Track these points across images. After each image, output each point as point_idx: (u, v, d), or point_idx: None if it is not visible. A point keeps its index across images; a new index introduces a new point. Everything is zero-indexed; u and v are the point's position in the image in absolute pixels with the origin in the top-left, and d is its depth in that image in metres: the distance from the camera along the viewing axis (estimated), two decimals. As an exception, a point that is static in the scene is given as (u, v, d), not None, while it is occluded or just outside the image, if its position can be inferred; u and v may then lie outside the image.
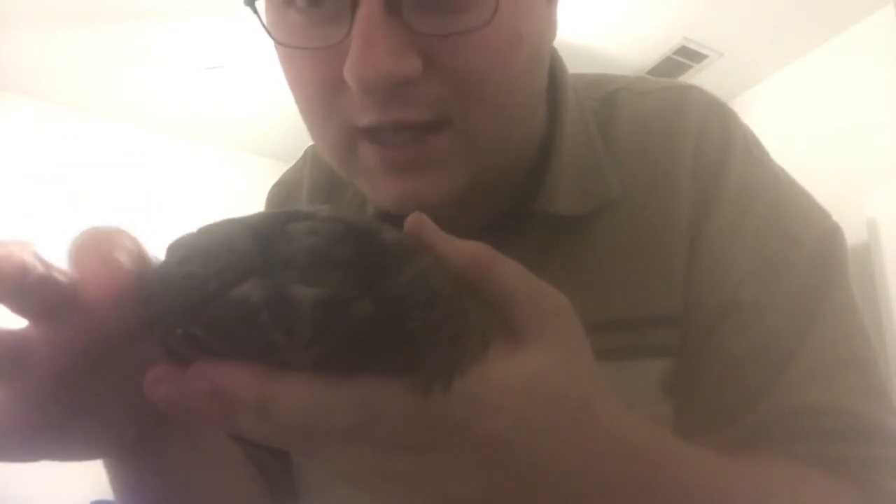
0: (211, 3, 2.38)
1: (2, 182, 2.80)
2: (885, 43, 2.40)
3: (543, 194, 0.44)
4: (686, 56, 2.72)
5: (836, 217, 0.47)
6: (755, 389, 0.40)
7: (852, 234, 0.51)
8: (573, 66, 0.51)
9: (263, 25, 0.39)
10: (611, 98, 0.49)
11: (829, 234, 0.44)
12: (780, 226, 0.44)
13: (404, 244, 0.22)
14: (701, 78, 2.78)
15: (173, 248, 0.23)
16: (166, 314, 0.21)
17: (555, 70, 0.48)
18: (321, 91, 0.38)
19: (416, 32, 0.35)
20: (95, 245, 0.23)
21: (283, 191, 0.59)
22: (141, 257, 0.24)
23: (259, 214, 0.22)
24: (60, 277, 0.24)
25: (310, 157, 0.58)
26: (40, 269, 0.23)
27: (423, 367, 0.21)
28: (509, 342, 0.25)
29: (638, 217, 0.44)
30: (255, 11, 0.38)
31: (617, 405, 0.28)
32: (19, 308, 0.24)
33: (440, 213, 0.31)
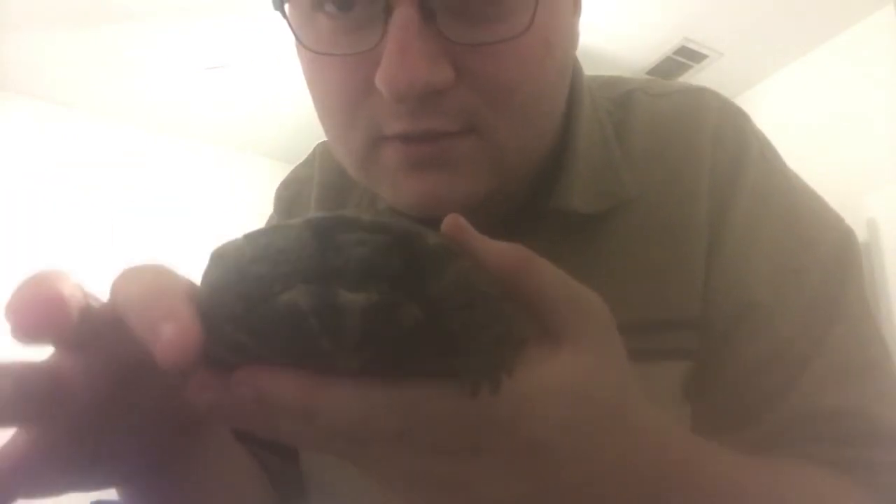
0: (211, 3, 2.38)
1: (1, 182, 2.80)
2: (885, 43, 2.40)
3: (558, 192, 0.44)
4: (686, 56, 2.72)
5: (836, 217, 0.47)
6: (771, 393, 0.40)
7: (852, 234, 0.52)
8: (573, 66, 0.50)
9: (293, 30, 0.38)
10: (625, 99, 0.49)
11: (843, 237, 0.45)
12: (795, 230, 0.44)
13: (446, 247, 0.22)
14: (701, 78, 2.78)
15: (225, 252, 0.23)
16: (217, 320, 0.21)
17: (572, 69, 0.48)
18: (348, 97, 0.38)
19: (450, 41, 0.35)
20: (157, 296, 0.22)
21: (292, 188, 0.59)
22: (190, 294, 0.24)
23: (304, 221, 0.22)
24: (96, 307, 0.23)
25: (319, 154, 0.58)
26: (82, 304, 0.23)
27: (469, 369, 0.21)
28: (544, 344, 0.25)
29: (653, 219, 0.44)
30: (285, 16, 0.38)
31: (651, 407, 0.28)
32: (58, 342, 0.24)
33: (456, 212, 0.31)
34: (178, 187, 3.19)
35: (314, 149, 0.59)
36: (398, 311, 0.20)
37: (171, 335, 0.20)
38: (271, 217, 0.59)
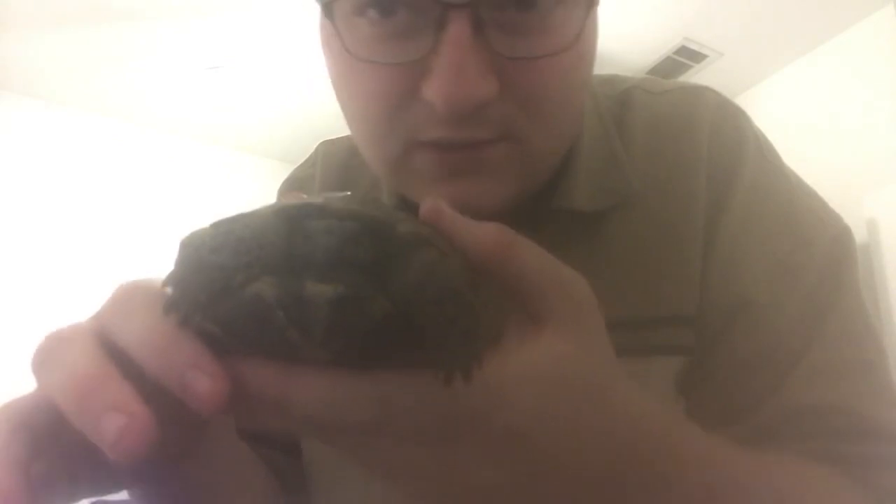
0: (211, 3, 2.38)
1: (1, 182, 2.80)
2: (885, 43, 2.40)
3: (562, 192, 0.44)
4: (686, 56, 2.72)
5: (836, 217, 0.47)
6: (764, 389, 0.40)
7: (852, 234, 0.52)
8: (573, 66, 0.51)
9: (340, 35, 0.38)
10: (624, 96, 0.49)
11: (839, 236, 0.45)
12: (791, 228, 0.44)
13: (417, 235, 0.22)
14: (701, 78, 2.78)
15: (191, 241, 0.22)
16: (183, 303, 0.21)
17: None
18: (388, 105, 0.38)
19: (499, 55, 0.35)
20: (92, 384, 0.22)
21: (294, 187, 0.59)
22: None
23: (273, 208, 0.21)
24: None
25: (321, 154, 0.58)
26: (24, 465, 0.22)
27: (441, 360, 0.21)
28: (527, 328, 0.25)
29: (653, 217, 0.45)
30: (333, 22, 0.38)
31: (636, 391, 0.28)
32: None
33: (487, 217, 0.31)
34: (179, 187, 3.19)
35: (316, 149, 0.60)
36: (366, 304, 0.20)
37: (118, 429, 0.20)
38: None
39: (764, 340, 0.41)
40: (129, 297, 0.23)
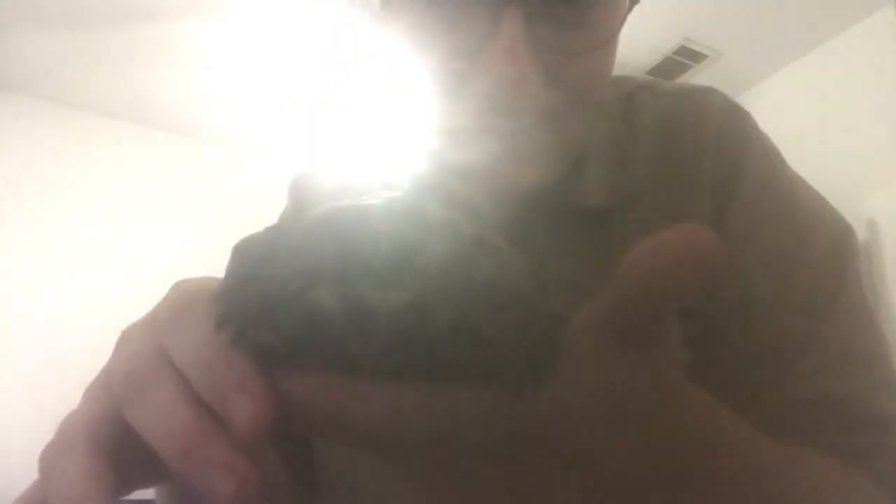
0: (211, 3, 2.38)
1: (1, 182, 2.80)
2: (885, 43, 2.40)
3: (574, 187, 0.46)
4: (686, 56, 2.71)
5: (836, 217, 0.47)
6: (767, 382, 0.41)
7: (852, 234, 0.52)
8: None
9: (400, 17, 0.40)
10: (631, 97, 0.51)
11: (841, 234, 0.46)
12: (795, 226, 0.45)
13: (484, 239, 0.20)
14: (701, 78, 2.78)
15: (243, 249, 0.21)
16: (237, 317, 0.20)
17: None
18: (446, 79, 0.39)
19: (547, 47, 0.37)
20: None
21: (308, 179, 0.60)
22: None
23: (326, 212, 0.20)
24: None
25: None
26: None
27: (508, 372, 0.20)
28: (602, 338, 0.24)
29: (658, 212, 0.46)
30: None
31: (695, 388, 0.28)
32: None
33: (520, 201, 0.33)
34: (179, 187, 3.19)
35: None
36: (431, 313, 0.18)
37: (230, 493, 0.19)
38: (285, 210, 0.60)
39: (767, 334, 0.42)
40: (185, 306, 0.22)
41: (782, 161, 0.49)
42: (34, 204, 2.85)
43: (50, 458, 0.23)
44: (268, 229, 0.21)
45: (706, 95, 0.50)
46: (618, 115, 0.50)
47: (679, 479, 0.25)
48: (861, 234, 2.14)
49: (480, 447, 0.21)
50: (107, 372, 0.24)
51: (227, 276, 0.21)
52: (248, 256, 0.20)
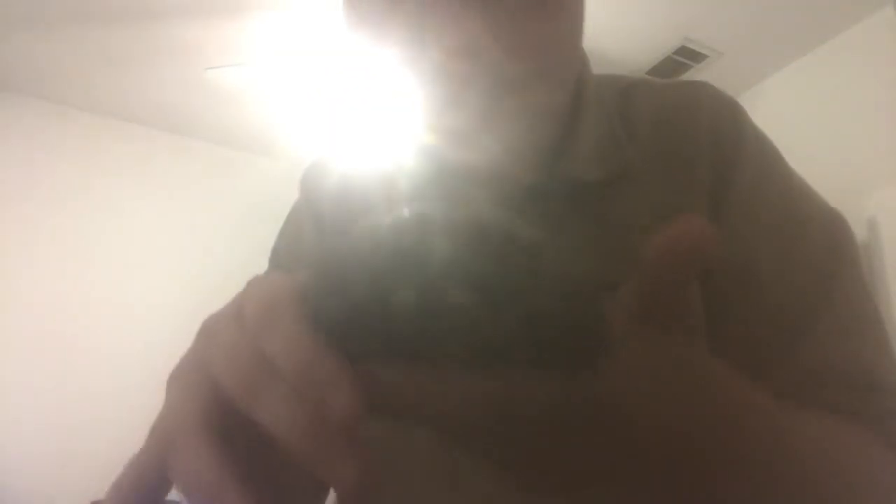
0: (210, 4, 2.38)
1: (1, 183, 2.80)
2: (885, 43, 2.40)
3: (566, 161, 0.48)
4: (686, 56, 2.72)
5: (836, 217, 0.48)
6: (775, 351, 0.43)
7: (852, 234, 0.52)
8: (573, 66, 0.51)
9: None
10: (627, 89, 0.54)
11: (835, 216, 0.48)
12: (791, 203, 0.47)
13: (541, 240, 0.23)
14: (701, 78, 2.77)
15: (328, 257, 0.24)
16: (328, 319, 0.23)
17: (581, 58, 0.54)
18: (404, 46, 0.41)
19: (494, 9, 0.39)
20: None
21: (319, 171, 0.61)
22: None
23: (398, 218, 0.23)
24: None
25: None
26: None
27: (567, 357, 0.22)
28: (643, 327, 0.26)
29: (653, 185, 0.48)
30: None
31: (723, 366, 0.30)
32: None
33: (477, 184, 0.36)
34: (179, 187, 3.19)
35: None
36: (499, 314, 0.21)
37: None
38: (297, 202, 0.61)
39: (770, 306, 0.43)
40: (271, 305, 0.24)
41: (773, 145, 0.51)
42: (34, 204, 2.85)
43: (171, 446, 0.24)
44: (349, 233, 0.23)
45: (700, 86, 0.53)
46: (610, 103, 0.52)
47: (708, 446, 0.27)
48: (861, 234, 2.14)
49: (543, 423, 0.24)
50: (198, 362, 0.25)
51: (315, 277, 0.24)
52: (335, 256, 0.23)
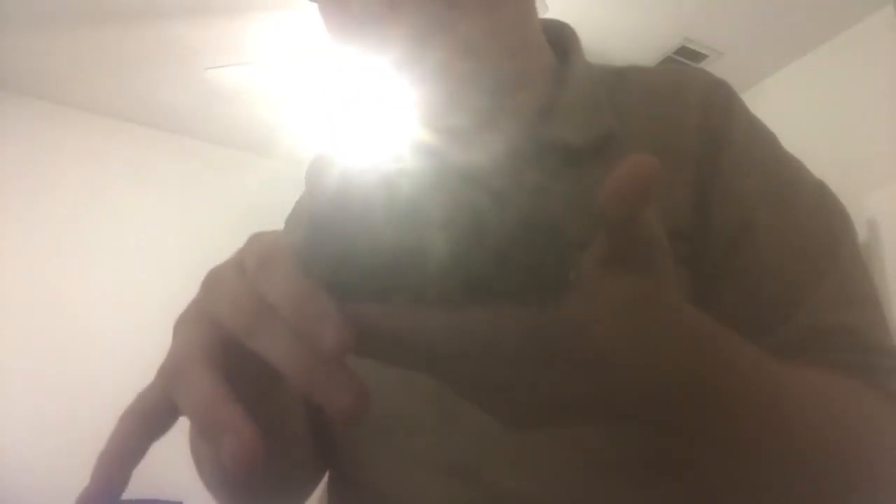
0: (211, 4, 2.38)
1: (2, 183, 2.81)
2: (885, 43, 2.40)
3: (552, 125, 0.49)
4: (686, 56, 2.72)
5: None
6: (777, 307, 0.43)
7: (852, 234, 0.53)
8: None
9: None
10: (622, 69, 0.56)
11: (826, 187, 0.49)
12: (783, 165, 0.49)
13: (510, 187, 0.24)
14: (701, 78, 2.78)
15: (317, 195, 0.26)
16: (319, 263, 0.24)
17: (566, 33, 0.58)
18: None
19: None
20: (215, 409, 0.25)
21: (322, 164, 0.62)
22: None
23: (381, 170, 0.25)
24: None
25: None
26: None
27: (534, 290, 0.24)
28: (615, 267, 0.27)
29: (641, 148, 0.48)
30: None
31: (704, 317, 0.31)
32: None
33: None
34: (179, 187, 3.19)
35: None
36: (477, 248, 0.23)
37: (233, 449, 0.23)
38: (302, 196, 0.62)
39: (768, 261, 0.44)
40: (269, 256, 0.26)
41: (762, 122, 0.52)
42: (34, 203, 2.85)
43: (176, 376, 0.26)
44: (336, 181, 0.26)
45: (692, 69, 0.56)
46: (599, 78, 0.54)
47: (687, 389, 0.28)
48: (861, 234, 2.14)
49: (518, 353, 0.25)
50: (202, 308, 0.28)
51: (306, 227, 0.25)
52: (324, 205, 0.25)
